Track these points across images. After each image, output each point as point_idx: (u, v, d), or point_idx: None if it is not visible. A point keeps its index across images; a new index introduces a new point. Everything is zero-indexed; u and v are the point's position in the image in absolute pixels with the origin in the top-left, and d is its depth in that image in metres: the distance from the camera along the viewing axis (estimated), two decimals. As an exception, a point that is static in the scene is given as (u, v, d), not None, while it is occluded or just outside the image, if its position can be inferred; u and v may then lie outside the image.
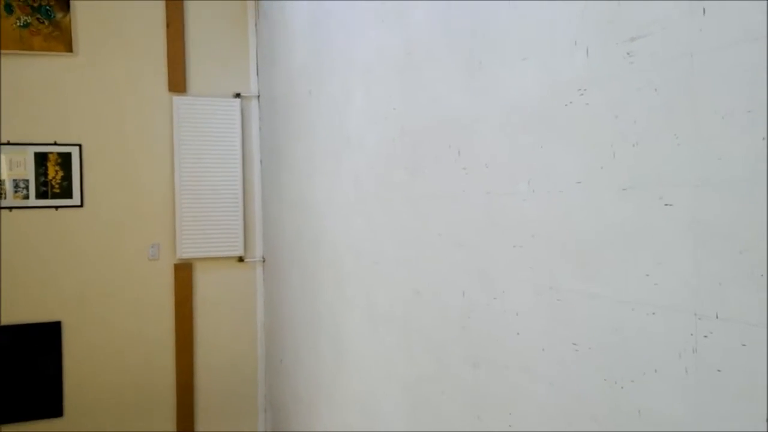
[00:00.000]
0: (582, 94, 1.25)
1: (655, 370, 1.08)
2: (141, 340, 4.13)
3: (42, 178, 3.93)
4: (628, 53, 1.14)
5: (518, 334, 1.46)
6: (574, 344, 1.28)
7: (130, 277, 4.10)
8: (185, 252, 4.14)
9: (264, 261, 4.32)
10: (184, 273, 4.18)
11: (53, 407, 3.96)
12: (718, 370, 0.96)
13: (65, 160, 3.98)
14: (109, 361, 4.08)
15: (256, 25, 4.39)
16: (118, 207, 4.09)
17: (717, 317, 0.96)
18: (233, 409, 4.36)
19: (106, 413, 4.08)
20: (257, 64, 4.39)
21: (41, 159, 3.93)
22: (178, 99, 4.17)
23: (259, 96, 4.37)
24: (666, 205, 1.06)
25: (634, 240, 1.12)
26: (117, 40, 4.09)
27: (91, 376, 4.04)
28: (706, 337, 0.98)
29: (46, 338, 3.93)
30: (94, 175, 4.04)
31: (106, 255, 4.06)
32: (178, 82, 4.22)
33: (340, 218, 2.72)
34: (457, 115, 1.72)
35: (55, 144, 3.97)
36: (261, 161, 4.35)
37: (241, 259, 4.31)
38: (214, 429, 4.30)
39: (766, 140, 0.89)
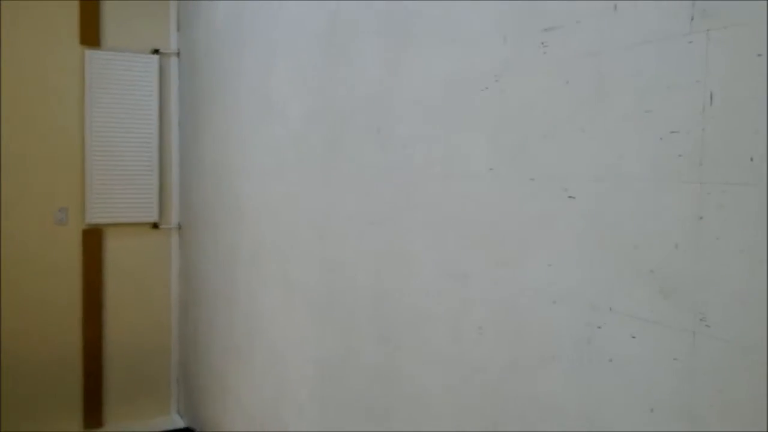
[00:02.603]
0: (497, 81, 1.25)
1: (554, 358, 1.11)
2: (46, 310, 3.94)
3: (-65, 132, 3.63)
4: (542, 43, 1.14)
5: (429, 316, 1.47)
6: (480, 328, 1.30)
7: (34, 242, 3.88)
8: (95, 217, 3.95)
9: (180, 228, 4.19)
10: (93, 239, 4.00)
11: (-54, 378, 3.73)
12: (610, 360, 1.00)
13: (-38, 113, 3.69)
14: (11, 332, 3.86)
15: (177, -21, 4.17)
16: (23, 168, 3.83)
17: (610, 310, 0.99)
18: (145, 380, 4.25)
19: (7, 385, 3.89)
20: (178, 18, 4.18)
21: (-66, 111, 3.63)
22: (90, 53, 3.93)
23: (179, 53, 4.18)
24: (569, 197, 1.08)
25: (539, 229, 1.14)
26: (22, -14, 3.79)
27: (-10, 344, 3.83)
28: (599, 328, 1.02)
29: (-61, 304, 3.68)
30: (-4, 132, 3.77)
31: (8, 219, 3.82)
32: (91, 35, 3.96)
33: (258, 187, 2.65)
34: (379, 93, 1.69)
35: (-49, 96, 3.67)
36: (179, 123, 4.18)
37: (155, 226, 4.15)
38: (125, 400, 4.19)
39: (662, 140, 0.91)
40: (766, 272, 0.77)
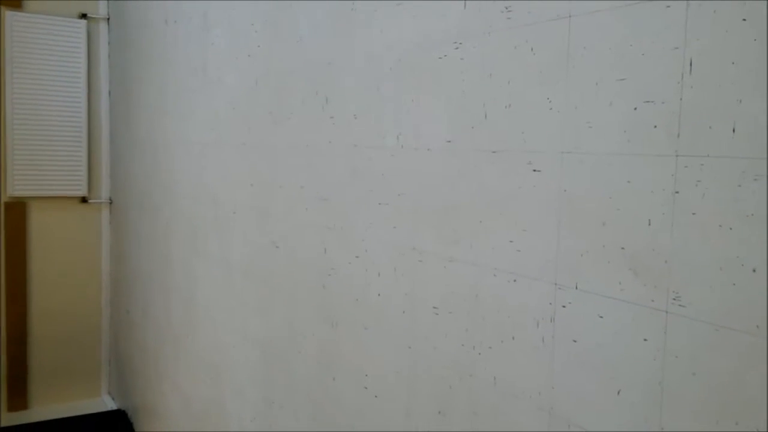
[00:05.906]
0: (457, 48, 1.18)
1: (513, 338, 1.07)
2: (-37, 287, 3.68)
3: None
4: (506, 8, 1.08)
5: (379, 295, 1.41)
6: (435, 308, 1.24)
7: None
8: (18, 189, 3.69)
9: (111, 203, 3.97)
10: (16, 213, 3.74)
11: None
12: (574, 341, 0.96)
13: None
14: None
15: (106, -63, 3.90)
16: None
17: (576, 288, 0.95)
18: (73, 361, 4.04)
19: None
20: (107, -19, 3.92)
21: None
22: (11, 14, 3.64)
23: (108, 19, 3.92)
24: (534, 171, 1.02)
25: (501, 205, 1.09)
26: (-69, -63, 3.46)
27: None
28: (564, 307, 0.97)
29: None
30: None
31: None
32: (11, -5, 3.68)
33: (195, 161, 2.51)
34: (327, 59, 1.60)
35: None
36: (109, 92, 3.94)
37: (84, 200, 3.92)
38: (52, 381, 3.98)
39: (636, 110, 0.86)
40: (747, 250, 0.74)
